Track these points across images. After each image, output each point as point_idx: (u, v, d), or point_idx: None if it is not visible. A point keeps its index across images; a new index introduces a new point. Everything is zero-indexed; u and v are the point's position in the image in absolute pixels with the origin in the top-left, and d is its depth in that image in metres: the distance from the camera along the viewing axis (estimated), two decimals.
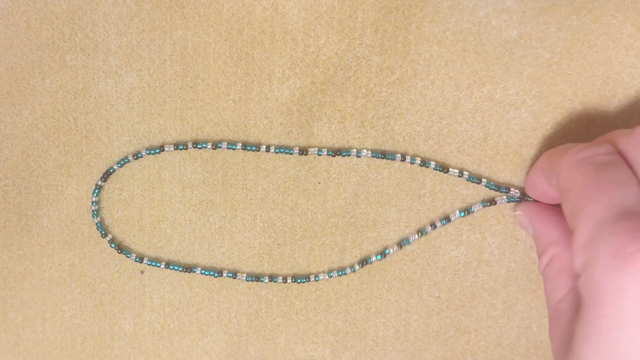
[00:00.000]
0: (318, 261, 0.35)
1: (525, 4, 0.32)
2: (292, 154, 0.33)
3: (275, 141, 0.34)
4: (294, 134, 0.34)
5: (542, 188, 0.31)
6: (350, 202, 0.34)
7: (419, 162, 0.33)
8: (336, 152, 0.33)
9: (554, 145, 0.33)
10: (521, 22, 0.32)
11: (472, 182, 0.33)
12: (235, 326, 0.36)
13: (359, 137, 0.34)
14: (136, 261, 0.35)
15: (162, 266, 0.35)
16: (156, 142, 0.35)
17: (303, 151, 0.33)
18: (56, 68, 0.34)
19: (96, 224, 0.35)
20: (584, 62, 0.32)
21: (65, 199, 0.35)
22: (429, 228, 0.34)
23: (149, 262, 0.35)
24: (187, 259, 0.36)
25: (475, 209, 0.33)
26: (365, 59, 0.33)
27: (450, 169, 0.33)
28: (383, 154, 0.33)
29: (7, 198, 0.36)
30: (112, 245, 0.35)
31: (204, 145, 0.34)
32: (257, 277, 0.35)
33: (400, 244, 0.34)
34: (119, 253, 0.35)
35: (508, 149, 0.33)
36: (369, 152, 0.33)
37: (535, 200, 0.33)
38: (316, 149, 0.33)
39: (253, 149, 0.34)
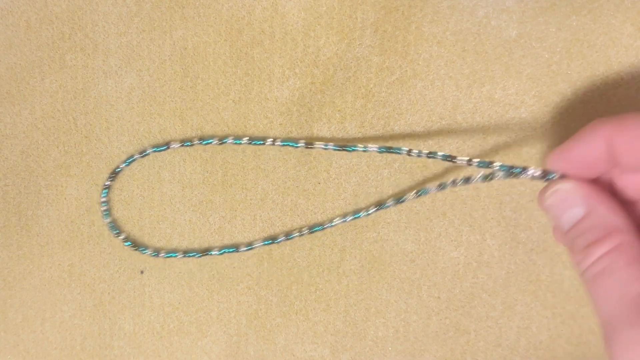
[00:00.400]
0: (318, 261, 0.35)
1: (525, 4, 0.32)
2: (297, 147, 0.33)
3: None
4: (293, 135, 0.34)
5: (594, 159, 0.27)
6: (350, 202, 0.34)
7: (426, 153, 0.31)
8: (342, 146, 0.33)
9: (554, 146, 0.33)
10: (521, 22, 0.32)
11: (482, 167, 0.30)
12: (235, 326, 0.36)
13: (358, 138, 0.34)
14: (153, 256, 0.35)
15: (180, 255, 0.35)
16: (156, 142, 0.35)
17: (309, 144, 0.33)
18: (56, 68, 0.34)
19: (107, 224, 0.35)
20: (583, 62, 0.32)
21: (65, 199, 0.35)
22: (449, 183, 0.31)
23: (166, 255, 0.35)
24: (187, 259, 0.36)
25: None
26: (365, 59, 0.33)
27: (457, 158, 0.30)
28: (389, 148, 0.32)
29: (7, 198, 0.36)
30: (127, 243, 0.35)
31: (209, 141, 0.34)
32: (272, 239, 0.35)
33: (418, 192, 0.32)
34: (135, 250, 0.35)
35: (508, 149, 0.33)
36: (375, 146, 0.33)
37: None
38: (322, 143, 0.33)
39: (259, 142, 0.33)
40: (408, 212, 0.34)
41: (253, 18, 0.33)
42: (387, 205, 0.33)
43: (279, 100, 0.34)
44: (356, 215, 0.34)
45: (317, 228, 0.34)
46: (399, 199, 0.33)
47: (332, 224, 0.34)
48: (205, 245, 0.36)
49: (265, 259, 0.35)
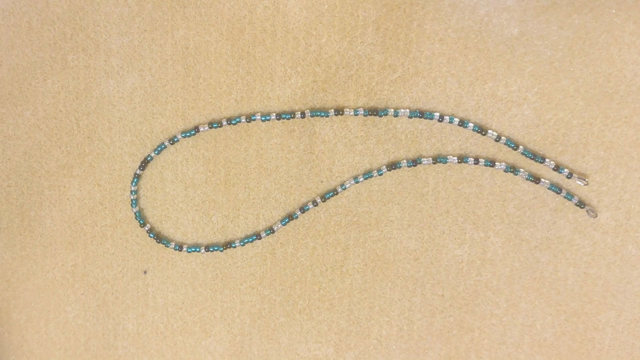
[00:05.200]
0: (321, 260, 0.35)
1: (526, 3, 0.32)
2: (328, 116, 0.33)
3: (277, 140, 0.34)
4: (296, 133, 0.34)
5: None
6: (353, 200, 0.34)
7: (457, 122, 0.32)
8: (373, 111, 0.33)
9: (556, 142, 0.33)
10: (522, 20, 0.32)
11: (534, 159, 0.32)
12: (239, 326, 0.36)
13: (361, 136, 0.34)
14: (175, 249, 0.35)
15: (203, 250, 0.35)
16: (158, 142, 0.35)
17: (339, 112, 0.33)
18: (58, 69, 0.34)
19: (135, 213, 0.35)
20: (586, 60, 0.32)
21: (68, 199, 0.35)
22: (472, 160, 0.33)
23: (188, 249, 0.35)
24: (190, 259, 0.36)
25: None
26: (366, 57, 0.33)
27: (489, 131, 0.32)
28: (421, 113, 0.32)
29: (10, 199, 0.36)
30: (151, 235, 0.35)
31: (238, 120, 0.33)
32: (290, 217, 0.35)
33: (437, 160, 0.33)
34: (158, 243, 0.35)
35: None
36: (407, 110, 0.33)
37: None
38: (352, 110, 0.33)
39: (288, 117, 0.33)
40: (411, 210, 0.34)
41: (254, 17, 0.33)
42: (400, 165, 0.33)
43: (281, 99, 0.34)
44: (367, 176, 0.34)
45: (329, 194, 0.34)
46: (414, 160, 0.33)
47: (344, 187, 0.34)
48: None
49: (269, 258, 0.35)
